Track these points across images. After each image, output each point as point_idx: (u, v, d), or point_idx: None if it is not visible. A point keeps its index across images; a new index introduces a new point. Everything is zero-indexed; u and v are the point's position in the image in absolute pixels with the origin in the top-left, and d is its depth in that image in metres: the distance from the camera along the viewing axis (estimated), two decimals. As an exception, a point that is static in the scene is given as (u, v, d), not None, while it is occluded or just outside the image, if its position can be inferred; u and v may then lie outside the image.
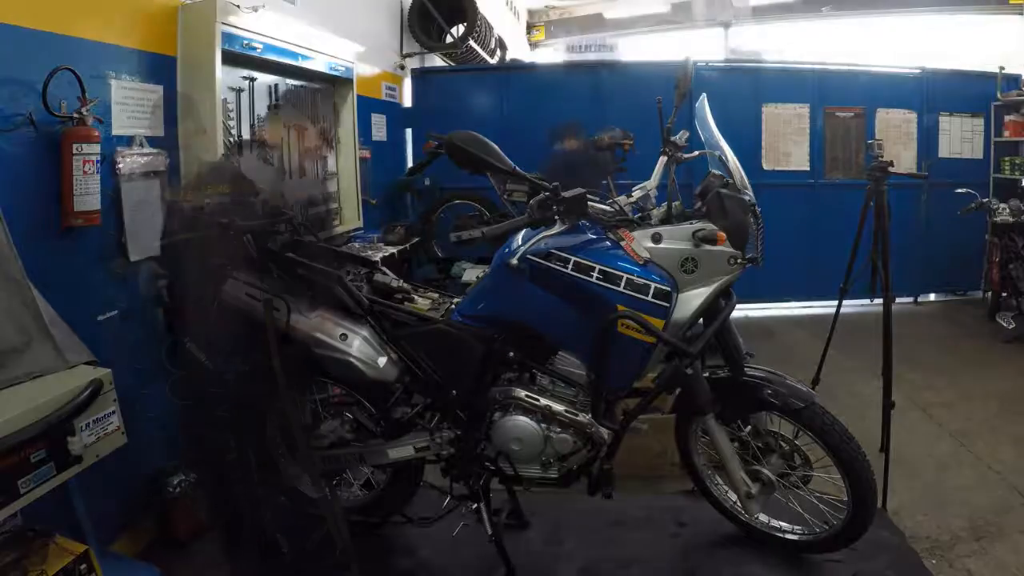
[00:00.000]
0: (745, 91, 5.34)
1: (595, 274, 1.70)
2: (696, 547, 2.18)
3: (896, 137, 5.45)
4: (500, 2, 7.62)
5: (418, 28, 5.27)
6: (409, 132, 5.45)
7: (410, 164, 5.30)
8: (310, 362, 1.90)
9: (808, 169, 5.45)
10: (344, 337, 1.84)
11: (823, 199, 5.42)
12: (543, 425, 1.87)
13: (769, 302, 5.49)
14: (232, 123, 2.80)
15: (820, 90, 5.41)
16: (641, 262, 1.72)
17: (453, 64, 5.84)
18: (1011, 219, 4.62)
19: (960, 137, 5.58)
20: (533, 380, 1.91)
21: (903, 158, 5.39)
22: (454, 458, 1.97)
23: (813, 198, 5.44)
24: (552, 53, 10.06)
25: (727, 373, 1.92)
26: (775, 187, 5.09)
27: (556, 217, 1.70)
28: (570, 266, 1.72)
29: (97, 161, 1.95)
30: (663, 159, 1.89)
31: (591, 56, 8.97)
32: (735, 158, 1.85)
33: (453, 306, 1.98)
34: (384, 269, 2.09)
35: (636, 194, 1.93)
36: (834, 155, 5.46)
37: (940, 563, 2.20)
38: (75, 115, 1.91)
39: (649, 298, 1.68)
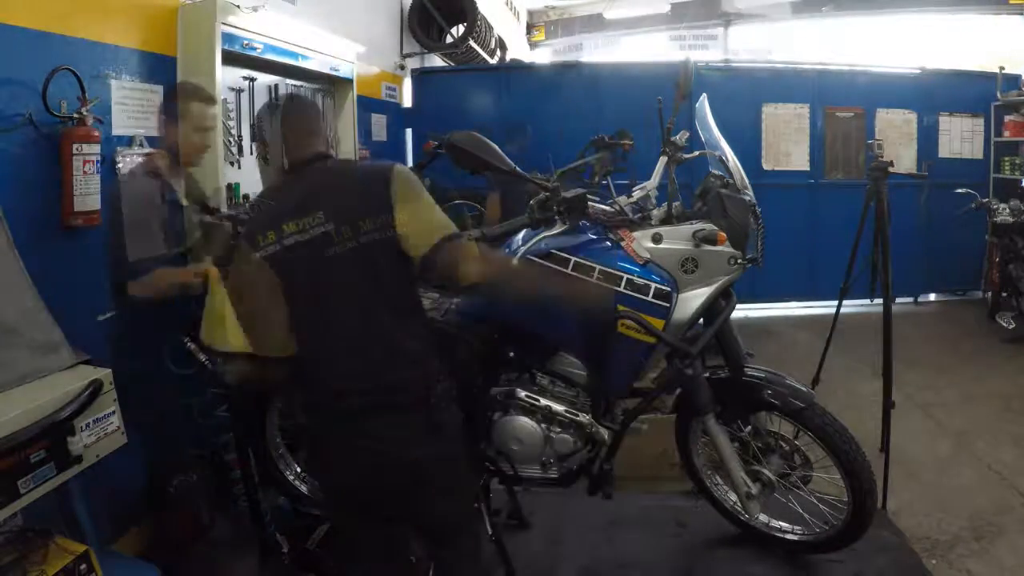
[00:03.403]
0: (744, 91, 5.34)
1: (595, 274, 1.70)
2: (696, 547, 2.18)
3: (896, 137, 5.45)
4: (500, 2, 7.61)
5: (418, 28, 5.27)
6: (409, 132, 5.45)
7: (410, 164, 5.29)
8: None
9: (808, 169, 5.45)
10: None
11: (822, 199, 5.42)
12: (543, 425, 1.87)
13: (763, 303, 5.48)
14: (232, 123, 2.80)
15: (820, 90, 5.41)
16: (641, 262, 1.72)
17: (453, 64, 5.84)
18: (1011, 219, 4.62)
19: (960, 137, 5.58)
20: (533, 380, 1.90)
21: (903, 158, 5.39)
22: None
23: (812, 198, 5.44)
24: (553, 54, 10.05)
25: (727, 373, 1.92)
26: (775, 187, 5.10)
27: (556, 217, 1.70)
28: (570, 266, 1.72)
29: (97, 161, 1.95)
30: (663, 159, 1.89)
31: (593, 55, 8.96)
32: (735, 158, 1.85)
33: (453, 306, 1.98)
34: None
35: (636, 194, 1.93)
36: (834, 155, 5.46)
37: (940, 563, 2.20)
38: (75, 115, 1.91)
39: (649, 298, 1.68)
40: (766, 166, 5.39)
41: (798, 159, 5.44)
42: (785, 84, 5.42)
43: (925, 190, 5.37)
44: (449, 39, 5.59)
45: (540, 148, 4.38)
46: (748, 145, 5.11)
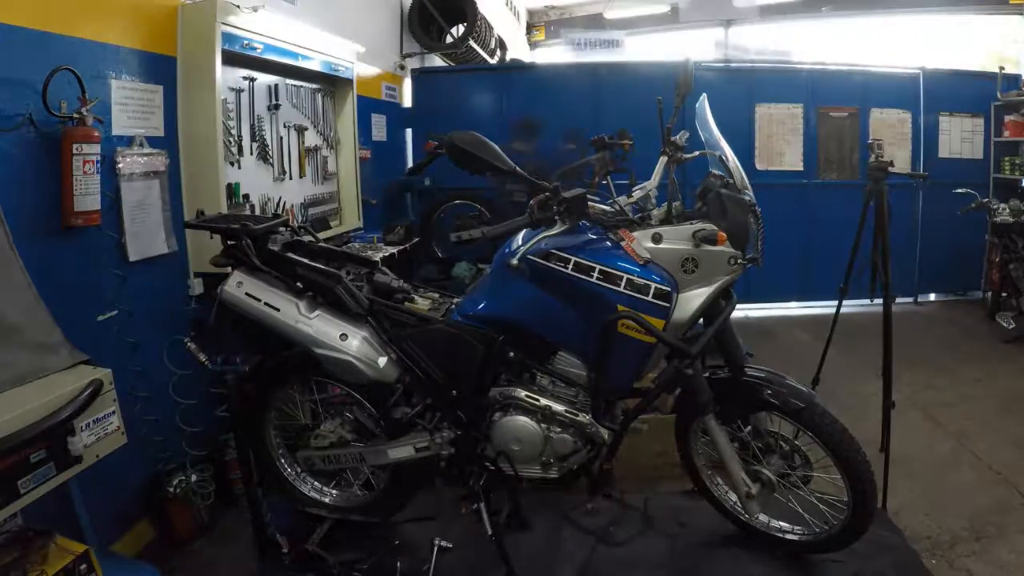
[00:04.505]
0: (739, 91, 5.34)
1: (595, 274, 1.70)
2: (696, 547, 2.18)
3: (894, 138, 5.45)
4: (500, 2, 7.61)
5: (418, 28, 5.27)
6: (409, 132, 5.45)
7: (410, 164, 5.30)
8: (310, 362, 1.90)
9: (802, 169, 5.45)
10: (344, 337, 1.84)
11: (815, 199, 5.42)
12: (543, 425, 1.87)
13: (759, 303, 5.47)
14: (232, 123, 2.80)
15: (813, 90, 5.40)
16: (641, 262, 1.72)
17: (453, 64, 5.84)
18: (1011, 219, 4.62)
19: (960, 137, 5.57)
20: (533, 380, 1.90)
21: (899, 158, 5.39)
22: (454, 458, 1.97)
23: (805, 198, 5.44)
24: (553, 53, 10.05)
25: (727, 373, 1.92)
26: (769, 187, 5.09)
27: (556, 217, 1.70)
28: (570, 266, 1.72)
29: (97, 161, 1.96)
30: (663, 159, 1.89)
31: (596, 53, 8.94)
32: (735, 158, 1.85)
33: (453, 306, 1.98)
34: (384, 269, 2.08)
35: (636, 194, 1.93)
36: (828, 155, 5.44)
37: (940, 563, 2.20)
38: (75, 115, 1.91)
39: (649, 298, 1.68)
40: (759, 166, 5.39)
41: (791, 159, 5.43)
42: (779, 84, 5.41)
43: (924, 190, 5.37)
44: (449, 39, 5.59)
45: (541, 148, 4.39)
46: (742, 145, 5.10)
